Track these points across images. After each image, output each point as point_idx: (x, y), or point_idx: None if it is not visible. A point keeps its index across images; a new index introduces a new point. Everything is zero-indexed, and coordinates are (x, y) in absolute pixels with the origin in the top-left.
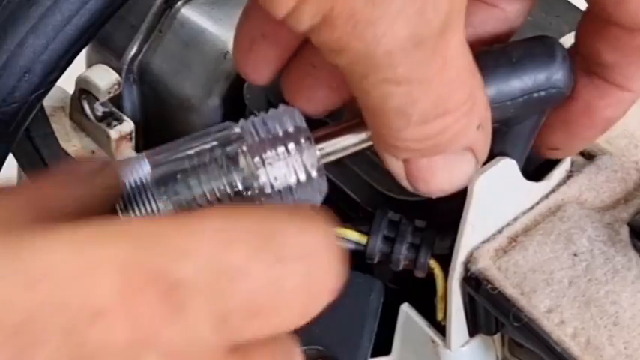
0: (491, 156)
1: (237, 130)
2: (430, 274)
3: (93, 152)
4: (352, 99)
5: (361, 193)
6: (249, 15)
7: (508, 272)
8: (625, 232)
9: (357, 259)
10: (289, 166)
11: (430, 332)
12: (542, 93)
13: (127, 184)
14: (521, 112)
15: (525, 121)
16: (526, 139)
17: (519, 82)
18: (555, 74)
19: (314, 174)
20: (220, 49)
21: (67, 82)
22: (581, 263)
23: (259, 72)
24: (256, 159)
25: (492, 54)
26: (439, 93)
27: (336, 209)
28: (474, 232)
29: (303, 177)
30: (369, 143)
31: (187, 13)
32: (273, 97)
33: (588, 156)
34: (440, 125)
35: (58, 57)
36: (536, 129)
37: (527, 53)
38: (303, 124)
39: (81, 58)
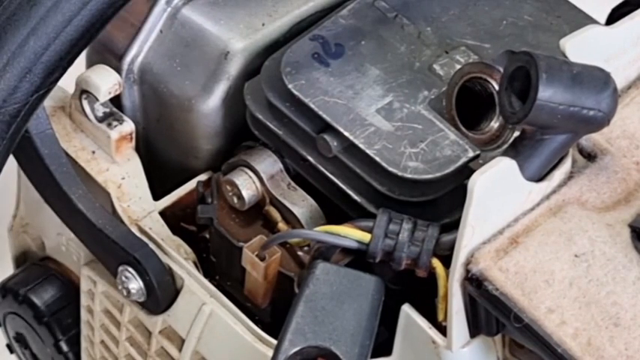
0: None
1: None
2: (431, 275)
3: (93, 152)
4: None
5: (361, 193)
6: None
7: (509, 273)
8: (626, 232)
9: (358, 259)
10: None
11: (431, 333)
12: (591, 113)
13: None
14: (564, 124)
15: (560, 135)
16: (551, 152)
17: (574, 93)
18: (606, 99)
19: None
20: (220, 49)
21: (67, 82)
22: (582, 264)
23: None
24: None
25: (558, 60)
26: None
27: (336, 209)
28: (475, 233)
29: None
30: None
31: (188, 13)
32: (274, 97)
33: (589, 156)
34: None
35: (59, 58)
36: (565, 148)
37: (587, 71)
38: None
39: (81, 59)
